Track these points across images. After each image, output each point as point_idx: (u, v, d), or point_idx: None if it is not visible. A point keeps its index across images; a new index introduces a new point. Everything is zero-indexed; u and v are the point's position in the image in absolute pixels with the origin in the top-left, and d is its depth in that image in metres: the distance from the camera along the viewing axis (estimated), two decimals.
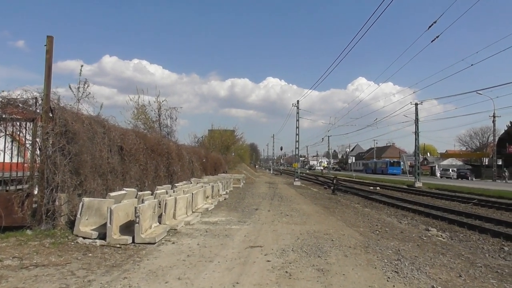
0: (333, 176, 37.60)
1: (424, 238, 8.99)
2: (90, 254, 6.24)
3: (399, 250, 7.20)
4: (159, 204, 9.34)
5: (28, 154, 7.85)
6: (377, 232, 9.50)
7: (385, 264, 6.06)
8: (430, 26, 15.68)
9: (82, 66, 10.57)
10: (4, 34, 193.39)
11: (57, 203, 7.52)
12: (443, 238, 9.92)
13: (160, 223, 8.97)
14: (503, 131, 62.29)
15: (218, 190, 17.82)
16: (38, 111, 7.87)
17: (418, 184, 34.93)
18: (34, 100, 7.79)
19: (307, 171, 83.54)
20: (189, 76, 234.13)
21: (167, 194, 11.50)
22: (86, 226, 7.46)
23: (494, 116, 50.58)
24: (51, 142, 7.60)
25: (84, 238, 7.13)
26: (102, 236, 7.20)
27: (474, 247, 9.20)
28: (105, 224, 7.26)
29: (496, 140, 56.99)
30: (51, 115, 7.80)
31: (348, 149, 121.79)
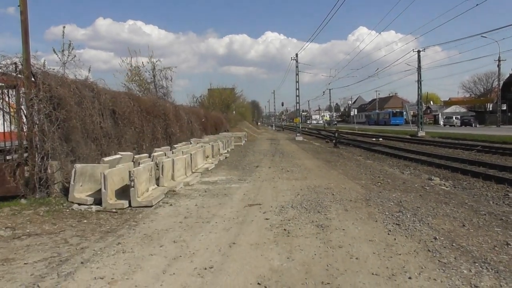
0: (335, 129, 37.33)
1: (427, 188, 8.83)
2: (85, 221, 6.13)
3: (401, 202, 7.04)
4: (157, 166, 9.18)
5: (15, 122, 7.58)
6: (379, 184, 9.35)
7: (386, 217, 5.91)
8: None
9: (64, 27, 10.02)
10: None
11: (49, 171, 7.32)
12: (446, 187, 9.77)
13: (158, 185, 8.85)
14: (508, 75, 60.82)
15: (219, 149, 17.68)
16: (20, 76, 7.49)
17: (421, 133, 34.64)
18: (14, 66, 7.37)
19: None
20: (186, 35, 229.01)
21: (165, 155, 11.33)
22: (81, 192, 7.32)
23: (499, 60, 49.16)
24: (36, 109, 7.28)
25: (79, 204, 7.01)
26: (98, 201, 7.07)
27: (477, 194, 9.05)
28: (100, 190, 7.12)
29: (501, 84, 55.75)
30: (33, 81, 7.42)
31: (350, 102, 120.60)
